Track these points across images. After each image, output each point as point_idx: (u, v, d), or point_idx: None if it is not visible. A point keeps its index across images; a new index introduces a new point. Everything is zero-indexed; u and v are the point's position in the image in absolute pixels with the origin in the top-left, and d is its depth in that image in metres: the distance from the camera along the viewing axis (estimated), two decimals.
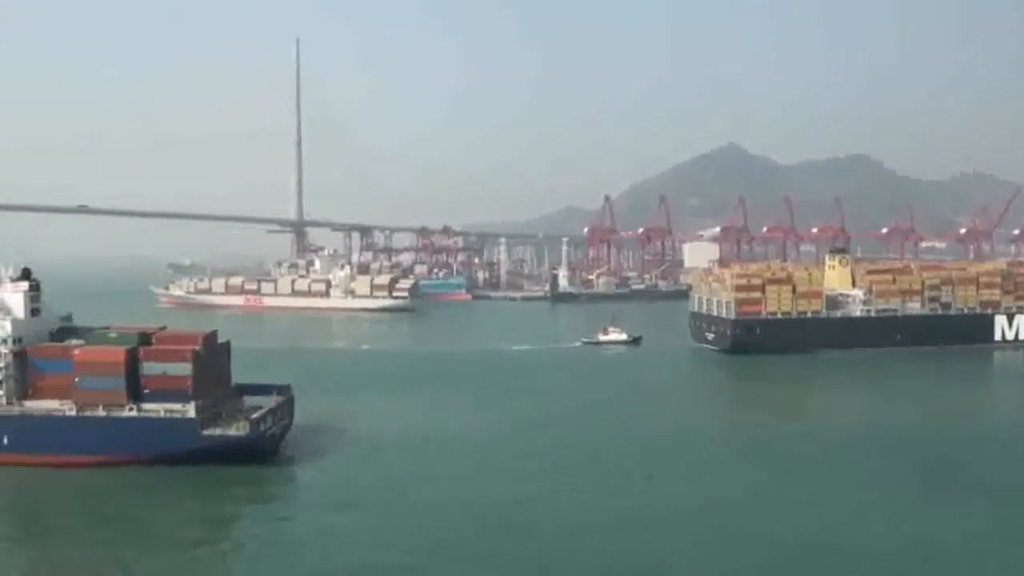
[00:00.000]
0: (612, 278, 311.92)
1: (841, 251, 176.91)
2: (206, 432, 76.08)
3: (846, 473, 75.25)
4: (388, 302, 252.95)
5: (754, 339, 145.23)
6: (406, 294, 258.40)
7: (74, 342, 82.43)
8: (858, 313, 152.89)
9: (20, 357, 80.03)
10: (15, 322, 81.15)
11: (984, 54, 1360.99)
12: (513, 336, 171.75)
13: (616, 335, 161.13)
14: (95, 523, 65.20)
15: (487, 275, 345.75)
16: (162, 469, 73.69)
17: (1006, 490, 69.68)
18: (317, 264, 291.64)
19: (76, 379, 77.30)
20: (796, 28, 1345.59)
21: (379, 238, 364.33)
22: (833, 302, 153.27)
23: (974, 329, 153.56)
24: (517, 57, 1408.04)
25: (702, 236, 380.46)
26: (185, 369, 77.12)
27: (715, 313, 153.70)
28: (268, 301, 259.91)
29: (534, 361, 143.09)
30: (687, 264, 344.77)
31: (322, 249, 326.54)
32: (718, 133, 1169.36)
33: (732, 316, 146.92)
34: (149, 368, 77.72)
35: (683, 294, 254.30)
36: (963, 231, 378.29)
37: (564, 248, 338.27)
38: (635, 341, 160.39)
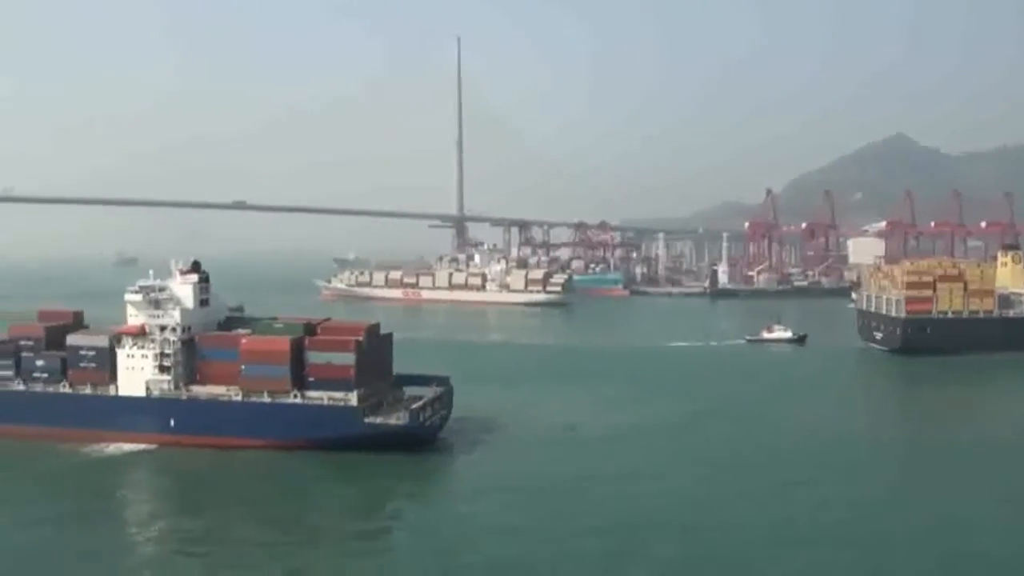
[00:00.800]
0: (773, 274, 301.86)
1: (1014, 247, 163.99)
2: (367, 420, 77.17)
3: None
4: (542, 296, 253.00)
5: (925, 339, 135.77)
6: (560, 289, 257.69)
7: (241, 331, 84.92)
8: None
9: (188, 345, 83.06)
10: (184, 312, 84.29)
11: None
12: (671, 332, 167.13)
13: (781, 333, 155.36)
14: (264, 500, 67.42)
15: (645, 270, 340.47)
16: (322, 454, 75.10)
17: None
18: (477, 259, 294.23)
19: (242, 367, 79.56)
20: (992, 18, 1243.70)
21: (537, 233, 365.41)
22: (1006, 301, 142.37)
23: None
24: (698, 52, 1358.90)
25: (867, 231, 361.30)
26: (348, 359, 78.34)
27: (883, 311, 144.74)
28: (426, 294, 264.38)
29: (694, 358, 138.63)
30: (852, 260, 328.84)
31: (481, 244, 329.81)
32: (883, 124, 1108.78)
33: (902, 315, 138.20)
34: (314, 357, 79.40)
35: (845, 291, 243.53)
36: None
37: (724, 243, 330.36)
38: (800, 340, 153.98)
